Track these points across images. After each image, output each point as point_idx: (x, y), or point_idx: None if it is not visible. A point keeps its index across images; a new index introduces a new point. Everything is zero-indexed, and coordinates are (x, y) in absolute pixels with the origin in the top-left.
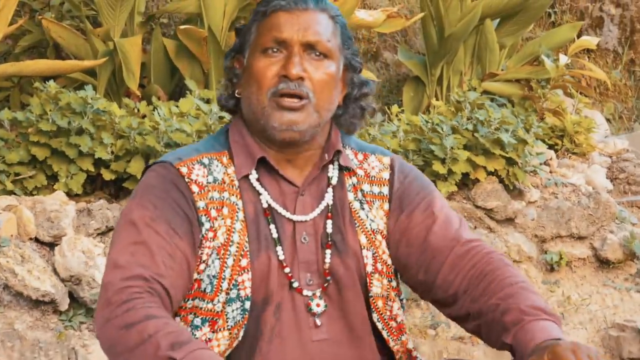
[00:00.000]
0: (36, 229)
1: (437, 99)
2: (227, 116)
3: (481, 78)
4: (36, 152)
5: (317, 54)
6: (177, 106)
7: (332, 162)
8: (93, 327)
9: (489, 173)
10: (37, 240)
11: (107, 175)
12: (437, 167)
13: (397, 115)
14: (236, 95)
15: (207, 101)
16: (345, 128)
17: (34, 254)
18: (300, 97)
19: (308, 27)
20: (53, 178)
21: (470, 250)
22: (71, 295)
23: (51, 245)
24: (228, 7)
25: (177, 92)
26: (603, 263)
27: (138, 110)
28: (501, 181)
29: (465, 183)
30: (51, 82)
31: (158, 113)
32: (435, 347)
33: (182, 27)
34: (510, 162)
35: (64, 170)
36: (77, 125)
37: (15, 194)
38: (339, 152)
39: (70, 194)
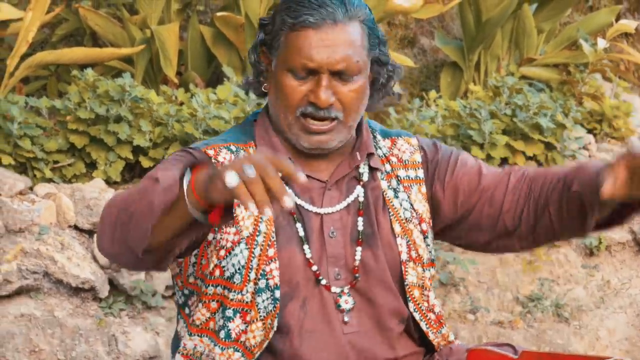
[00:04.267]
0: (75, 216)
1: (475, 84)
2: (265, 103)
3: (519, 63)
4: (75, 140)
5: (347, 76)
6: (215, 93)
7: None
8: (133, 314)
9: (528, 158)
10: (76, 227)
11: (146, 163)
12: (476, 152)
13: (434, 101)
14: (264, 89)
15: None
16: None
17: (74, 241)
18: (329, 119)
19: (336, 51)
20: (91, 166)
21: (524, 172)
22: (111, 282)
23: (90, 233)
24: None
25: (214, 79)
26: None
27: (176, 97)
28: (540, 165)
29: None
30: (89, 70)
31: (196, 100)
32: (474, 331)
33: (219, 14)
34: (549, 146)
35: (102, 157)
36: (115, 113)
37: (54, 181)
38: (371, 154)
39: (108, 182)
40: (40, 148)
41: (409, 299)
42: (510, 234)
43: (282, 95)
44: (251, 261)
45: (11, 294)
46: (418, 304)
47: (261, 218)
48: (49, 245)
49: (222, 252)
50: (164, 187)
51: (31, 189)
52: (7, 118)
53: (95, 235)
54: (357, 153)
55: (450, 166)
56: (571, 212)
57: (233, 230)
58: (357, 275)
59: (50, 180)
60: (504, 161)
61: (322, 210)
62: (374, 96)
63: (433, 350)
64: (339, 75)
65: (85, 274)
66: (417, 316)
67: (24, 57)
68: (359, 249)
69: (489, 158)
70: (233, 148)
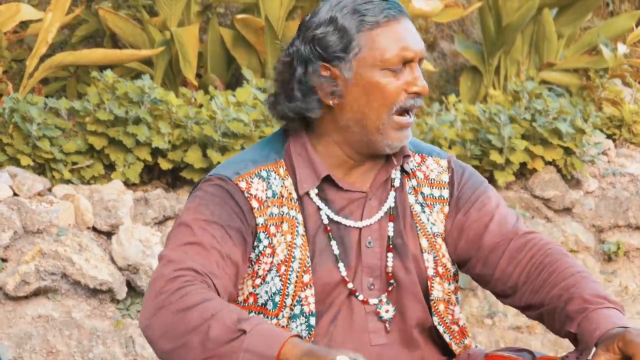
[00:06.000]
0: (94, 218)
1: (495, 89)
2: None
3: (539, 68)
4: (93, 141)
5: (419, 65)
6: (234, 95)
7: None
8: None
9: (547, 163)
10: (94, 229)
11: (164, 165)
12: (495, 156)
13: (454, 105)
14: (332, 104)
15: (264, 91)
16: None
17: (92, 242)
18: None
19: (418, 38)
20: (110, 167)
21: (527, 242)
22: (128, 284)
23: (108, 234)
24: None
25: (233, 81)
26: None
27: (195, 99)
28: (559, 171)
29: (523, 173)
30: (108, 72)
31: (215, 102)
32: (492, 336)
33: (239, 16)
34: (568, 151)
35: (121, 159)
36: (134, 115)
37: (72, 183)
38: (407, 156)
39: (127, 183)
40: (59, 149)
41: (434, 312)
42: (502, 296)
43: (378, 95)
44: (287, 287)
45: (29, 295)
46: (442, 318)
47: (295, 244)
48: (67, 247)
49: (258, 281)
50: (224, 340)
51: (50, 190)
52: (27, 119)
53: (113, 238)
54: (393, 157)
55: (468, 203)
56: (561, 329)
57: (269, 260)
58: (391, 281)
59: (68, 182)
60: (522, 166)
61: (361, 224)
62: None
63: (453, 355)
64: (419, 63)
65: (103, 275)
66: (441, 329)
67: (43, 58)
68: (390, 255)
69: (507, 163)
70: (264, 174)
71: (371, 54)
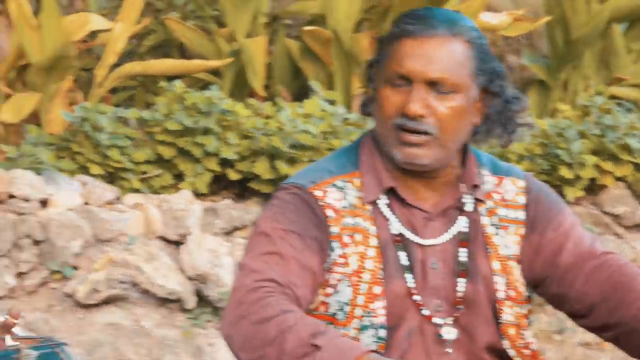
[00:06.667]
0: (163, 227)
1: (563, 104)
2: (352, 118)
3: (608, 82)
4: (162, 151)
5: (443, 90)
6: (302, 107)
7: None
8: (219, 326)
9: (617, 179)
10: (163, 238)
11: (233, 175)
12: (564, 172)
13: None
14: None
15: (332, 102)
16: (501, 144)
17: (161, 252)
18: (422, 133)
19: (432, 60)
20: (179, 177)
21: (605, 262)
22: (198, 293)
23: (177, 244)
24: (353, 9)
25: (301, 93)
26: None
27: (263, 110)
28: (629, 187)
29: (592, 188)
30: (177, 82)
31: (283, 114)
32: (561, 352)
33: (306, 28)
34: (639, 167)
35: (189, 169)
36: (203, 125)
37: (141, 192)
38: (476, 186)
39: (196, 193)
40: (128, 158)
41: (504, 336)
42: (578, 317)
43: (379, 107)
44: (357, 298)
45: (99, 303)
46: (513, 341)
47: (367, 255)
48: (136, 255)
49: (329, 290)
50: (298, 354)
51: (119, 198)
52: (97, 128)
53: (182, 247)
54: (461, 185)
55: (544, 223)
56: (636, 349)
57: (341, 269)
58: (459, 307)
59: (138, 191)
60: (592, 182)
61: (424, 242)
62: (489, 128)
63: None
64: (435, 87)
65: (172, 285)
66: (511, 352)
67: (111, 68)
68: (461, 280)
69: (577, 178)
70: (339, 184)
71: (384, 66)
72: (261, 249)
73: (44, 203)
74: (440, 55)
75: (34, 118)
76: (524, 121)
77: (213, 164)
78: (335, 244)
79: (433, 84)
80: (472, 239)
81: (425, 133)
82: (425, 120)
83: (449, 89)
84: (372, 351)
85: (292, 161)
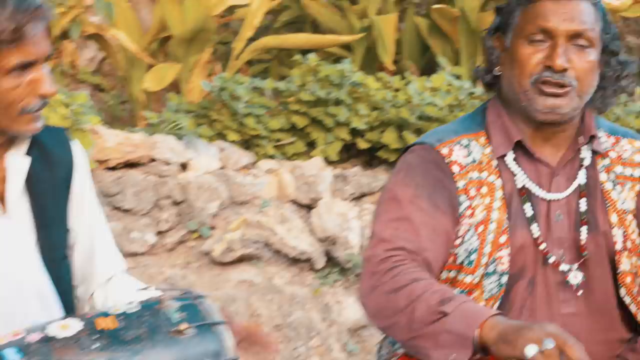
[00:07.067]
0: (295, 191)
1: None
2: (477, 92)
3: None
4: (296, 120)
5: (581, 44)
6: (430, 81)
7: (585, 144)
8: (346, 285)
9: None
10: (295, 202)
11: (362, 144)
12: None
13: None
14: (495, 73)
15: (458, 77)
16: (597, 108)
17: (293, 214)
18: (563, 86)
19: (574, 17)
20: (311, 145)
21: None
22: (327, 254)
23: (308, 208)
24: None
25: (427, 68)
26: None
27: (391, 84)
28: None
29: None
30: (311, 55)
31: (411, 87)
32: None
33: (435, 6)
34: None
35: (321, 138)
36: (335, 97)
37: (275, 158)
38: (593, 137)
39: (327, 160)
40: (263, 126)
41: (621, 285)
42: None
43: (517, 64)
44: (484, 247)
45: (234, 261)
46: (630, 290)
47: (493, 206)
48: (270, 218)
49: (458, 241)
50: (427, 321)
51: (254, 164)
52: (234, 97)
53: (313, 211)
54: (580, 137)
55: None
56: None
57: (468, 221)
58: (583, 253)
59: (272, 157)
60: None
61: (549, 196)
62: (603, 89)
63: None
64: (575, 41)
65: (303, 245)
66: (627, 300)
67: (248, 41)
68: (583, 228)
69: None
70: (465, 142)
71: (520, 26)
72: (391, 215)
73: (183, 166)
74: (580, 13)
75: (175, 87)
76: (631, 85)
77: (344, 133)
78: (462, 198)
79: (573, 39)
80: (591, 193)
81: (566, 85)
82: (568, 73)
83: (586, 43)
84: (497, 314)
85: (418, 132)
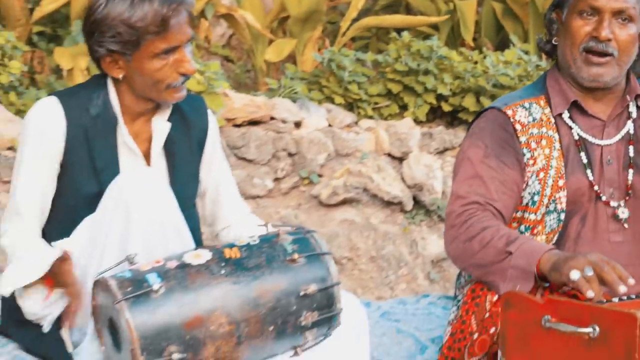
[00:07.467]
0: (389, 146)
1: None
2: (543, 65)
3: None
4: (391, 87)
5: (623, 19)
6: (503, 55)
7: (631, 101)
8: (430, 224)
9: None
10: (389, 155)
11: (446, 107)
12: None
13: None
14: (553, 42)
15: (527, 53)
16: (638, 72)
17: (387, 165)
18: (606, 55)
19: None
20: (403, 108)
21: None
22: (414, 198)
23: (400, 160)
24: None
25: (501, 44)
26: None
27: (471, 57)
28: None
29: None
30: (405, 33)
31: (488, 60)
32: None
33: None
34: None
35: (412, 102)
36: (424, 67)
37: (373, 118)
38: (638, 95)
39: (416, 121)
40: (364, 92)
41: None
42: None
43: (569, 35)
44: (545, 190)
45: (337, 203)
46: None
47: (552, 156)
48: (368, 167)
49: (523, 186)
50: (496, 261)
51: (356, 123)
52: (340, 67)
53: (404, 163)
54: (627, 96)
55: None
56: None
57: (531, 169)
58: (629, 192)
59: (371, 117)
60: None
61: (602, 142)
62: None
63: None
64: (619, 16)
65: (395, 191)
66: None
67: (352, 21)
68: (630, 171)
69: None
70: (526, 105)
71: (573, 2)
72: (465, 174)
73: (297, 124)
74: None
75: (291, 58)
76: None
77: (431, 98)
78: (525, 150)
79: (617, 15)
80: (638, 139)
81: (609, 54)
82: (610, 43)
83: (627, 18)
84: (552, 249)
85: (493, 97)
